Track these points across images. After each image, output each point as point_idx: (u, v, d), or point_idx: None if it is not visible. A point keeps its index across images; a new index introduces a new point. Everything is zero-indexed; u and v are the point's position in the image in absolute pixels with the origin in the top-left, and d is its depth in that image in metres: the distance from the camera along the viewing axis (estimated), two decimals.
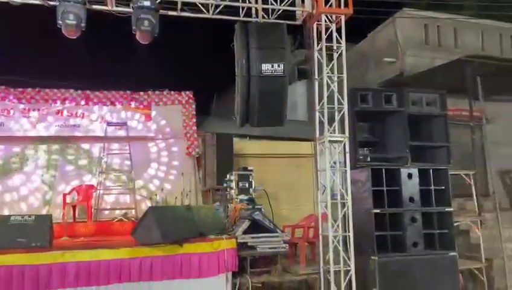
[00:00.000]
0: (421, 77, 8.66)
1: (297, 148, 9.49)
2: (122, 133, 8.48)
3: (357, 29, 9.82)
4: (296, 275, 5.81)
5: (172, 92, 9.08)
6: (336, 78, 5.13)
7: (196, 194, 8.41)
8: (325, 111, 5.08)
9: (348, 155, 5.14)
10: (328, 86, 5.11)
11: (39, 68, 9.76)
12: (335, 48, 5.22)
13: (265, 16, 5.45)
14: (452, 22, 10.81)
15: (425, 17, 10.67)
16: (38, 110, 8.36)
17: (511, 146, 10.55)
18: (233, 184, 7.13)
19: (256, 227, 5.85)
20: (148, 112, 8.84)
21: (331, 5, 5.25)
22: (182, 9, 5.35)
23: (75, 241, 6.06)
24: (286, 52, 5.11)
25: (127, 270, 4.91)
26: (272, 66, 4.84)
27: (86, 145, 8.42)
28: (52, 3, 5.07)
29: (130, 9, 5.16)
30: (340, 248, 4.89)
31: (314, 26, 5.32)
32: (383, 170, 5.33)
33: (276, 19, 5.47)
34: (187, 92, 9.13)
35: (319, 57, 5.20)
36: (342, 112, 5.15)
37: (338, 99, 5.13)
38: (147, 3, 5.01)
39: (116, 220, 7.51)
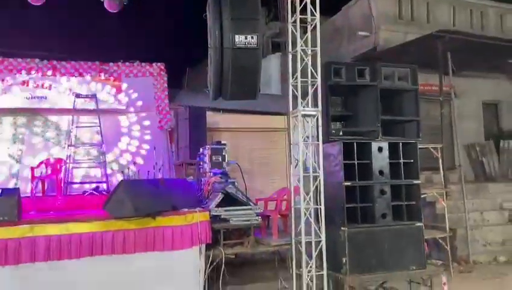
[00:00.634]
0: (393, 51, 8.74)
1: (270, 123, 9.50)
2: (91, 105, 8.26)
3: (332, 3, 9.78)
4: (269, 246, 5.92)
5: (143, 64, 8.87)
6: (309, 52, 5.11)
7: (169, 167, 8.36)
8: (299, 85, 5.07)
9: (320, 129, 5.17)
10: (302, 60, 5.08)
11: (2, 37, 9.31)
12: (309, 20, 5.18)
13: None
14: None
15: None
16: (3, 80, 8.03)
17: (476, 120, 10.93)
18: (206, 158, 7.10)
19: (229, 200, 5.89)
20: (118, 84, 8.62)
21: None
22: None
23: (44, 216, 5.94)
24: (260, 23, 5.02)
25: (99, 244, 4.89)
26: (246, 38, 4.75)
27: (53, 118, 8.18)
28: None
29: None
30: (312, 220, 4.98)
31: None
32: (355, 143, 5.41)
33: None
34: (158, 64, 8.94)
35: (293, 29, 5.15)
36: (315, 86, 5.15)
37: (311, 73, 5.13)
38: None
39: (87, 194, 7.40)
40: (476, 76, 10.44)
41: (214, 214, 5.62)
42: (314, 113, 5.11)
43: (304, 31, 5.18)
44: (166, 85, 8.86)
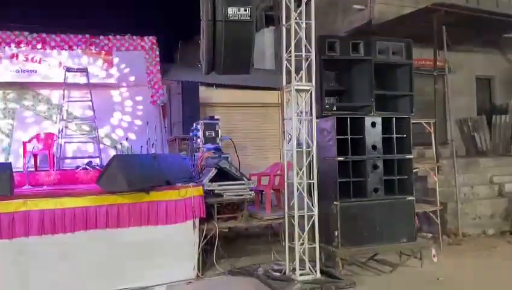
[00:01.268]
0: (388, 25, 8.64)
1: (264, 98, 9.46)
2: (82, 80, 8.15)
3: None
4: (262, 220, 5.98)
5: (134, 37, 8.71)
6: (303, 25, 5.03)
7: (162, 143, 8.34)
8: (292, 59, 5.01)
9: (314, 104, 5.15)
10: (296, 33, 5.01)
11: None
12: None
13: None
14: None
15: None
16: None
17: (470, 95, 10.95)
18: (199, 133, 7.09)
19: (222, 175, 5.90)
20: (109, 58, 8.49)
21: None
22: None
23: (37, 190, 5.94)
24: None
25: (94, 218, 4.90)
26: (239, 10, 4.67)
27: (44, 92, 8.08)
28: None
29: None
30: (305, 194, 5.02)
31: None
32: (348, 118, 5.41)
33: None
34: (150, 38, 8.79)
35: (287, 2, 5.05)
36: (309, 60, 5.10)
37: (306, 47, 5.07)
38: None
39: (80, 168, 7.39)
40: (469, 51, 10.39)
41: (207, 189, 5.65)
42: (307, 88, 5.08)
43: (298, 4, 5.09)
44: (158, 59, 8.74)
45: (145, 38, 8.75)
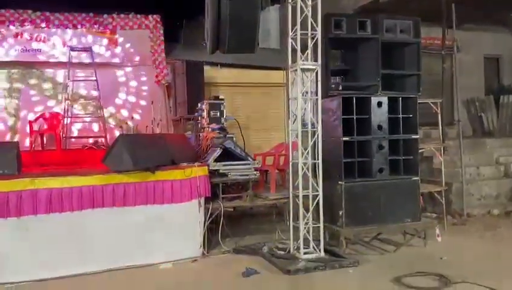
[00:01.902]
0: (396, 3, 8.47)
1: (269, 78, 9.40)
2: (87, 59, 8.11)
3: None
4: (267, 200, 6.02)
5: (138, 16, 8.61)
6: (310, 2, 4.95)
7: (167, 123, 8.34)
8: (298, 38, 4.94)
9: (319, 84, 5.11)
10: (302, 11, 4.93)
11: None
12: None
13: None
14: None
15: None
16: None
17: (477, 75, 10.81)
18: (204, 113, 7.08)
19: (227, 155, 5.92)
20: (113, 37, 8.41)
21: None
22: None
23: (45, 169, 5.99)
24: None
25: (100, 197, 4.95)
26: None
27: (49, 71, 8.06)
28: None
29: None
30: (310, 174, 5.03)
31: None
32: (354, 98, 5.37)
33: None
34: (154, 16, 8.68)
35: None
36: (315, 39, 5.03)
37: (312, 25, 4.99)
38: None
39: (86, 148, 7.43)
40: (478, 29, 10.22)
41: (212, 168, 5.67)
42: (313, 67, 5.03)
43: None
44: (162, 38, 8.65)
45: (149, 16, 8.65)
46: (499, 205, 7.64)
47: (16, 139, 7.23)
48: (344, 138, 5.30)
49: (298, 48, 4.94)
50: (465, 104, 10.43)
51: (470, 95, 10.41)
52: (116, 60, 8.42)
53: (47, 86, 8.02)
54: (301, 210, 4.99)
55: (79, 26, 8.23)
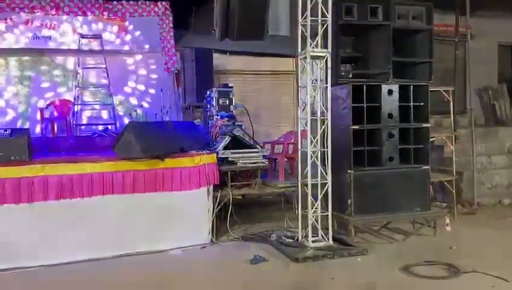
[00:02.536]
0: None
1: (278, 65, 9.33)
2: (96, 46, 8.12)
3: None
4: (275, 188, 6.02)
5: (147, 2, 8.57)
6: None
7: (176, 110, 8.35)
8: (308, 24, 4.88)
9: (329, 71, 5.06)
10: None
11: None
12: None
13: None
14: None
15: None
16: (5, 19, 7.84)
17: (491, 63, 10.61)
18: (213, 101, 7.06)
19: (236, 143, 5.91)
20: (123, 24, 8.39)
21: None
22: None
23: (55, 156, 6.04)
24: None
25: (110, 184, 5.00)
26: None
27: (59, 58, 8.08)
28: None
29: None
30: (318, 162, 5.01)
31: None
32: (364, 86, 5.31)
33: None
34: (163, 3, 8.63)
35: None
36: (325, 26, 4.97)
37: (322, 11, 4.92)
38: None
39: (96, 135, 7.48)
40: (492, 16, 9.98)
41: (221, 156, 5.68)
42: (323, 54, 4.97)
43: None
44: (172, 25, 8.62)
45: (159, 3, 8.60)
46: (510, 194, 7.57)
47: (26, 126, 7.29)
48: (354, 127, 5.26)
49: (308, 34, 4.88)
50: (477, 93, 10.26)
51: (482, 83, 10.23)
52: (126, 48, 8.40)
53: (57, 73, 8.05)
54: (310, 198, 4.98)
55: (89, 13, 8.22)
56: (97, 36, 8.10)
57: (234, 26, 4.92)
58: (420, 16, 5.51)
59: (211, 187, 5.46)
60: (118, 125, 7.71)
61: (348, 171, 5.27)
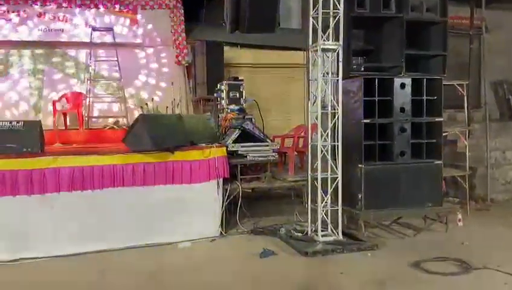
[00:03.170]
0: None
1: (289, 58, 9.26)
2: (108, 39, 8.15)
3: None
4: (285, 182, 6.01)
5: None
6: None
7: (187, 103, 8.36)
8: (319, 17, 4.83)
9: (340, 64, 5.00)
10: None
11: None
12: None
13: None
14: None
15: None
16: (18, 12, 7.91)
17: (506, 56, 10.40)
18: (223, 94, 7.05)
19: (246, 136, 5.90)
20: (134, 17, 8.41)
21: None
22: None
23: (67, 148, 6.10)
24: None
25: (121, 176, 5.03)
26: None
27: (72, 51, 8.14)
28: None
29: None
30: (329, 157, 4.97)
31: None
32: (376, 79, 5.24)
33: None
34: None
35: None
36: (337, 18, 4.90)
37: (333, 3, 4.86)
38: None
39: (108, 128, 7.53)
40: (507, 9, 9.78)
41: (231, 149, 5.67)
42: (334, 47, 4.92)
43: None
44: (182, 18, 8.61)
45: None
46: None
47: (39, 118, 7.36)
48: (365, 120, 5.20)
49: (319, 27, 4.82)
50: (492, 87, 10.09)
51: (497, 77, 10.05)
52: (138, 41, 8.42)
53: (70, 65, 8.10)
54: (319, 193, 4.95)
55: (100, 6, 8.25)
56: (109, 29, 8.13)
57: (245, 19, 4.89)
58: (434, 8, 5.40)
59: (221, 180, 5.46)
60: (129, 118, 7.75)
61: (359, 165, 5.22)
